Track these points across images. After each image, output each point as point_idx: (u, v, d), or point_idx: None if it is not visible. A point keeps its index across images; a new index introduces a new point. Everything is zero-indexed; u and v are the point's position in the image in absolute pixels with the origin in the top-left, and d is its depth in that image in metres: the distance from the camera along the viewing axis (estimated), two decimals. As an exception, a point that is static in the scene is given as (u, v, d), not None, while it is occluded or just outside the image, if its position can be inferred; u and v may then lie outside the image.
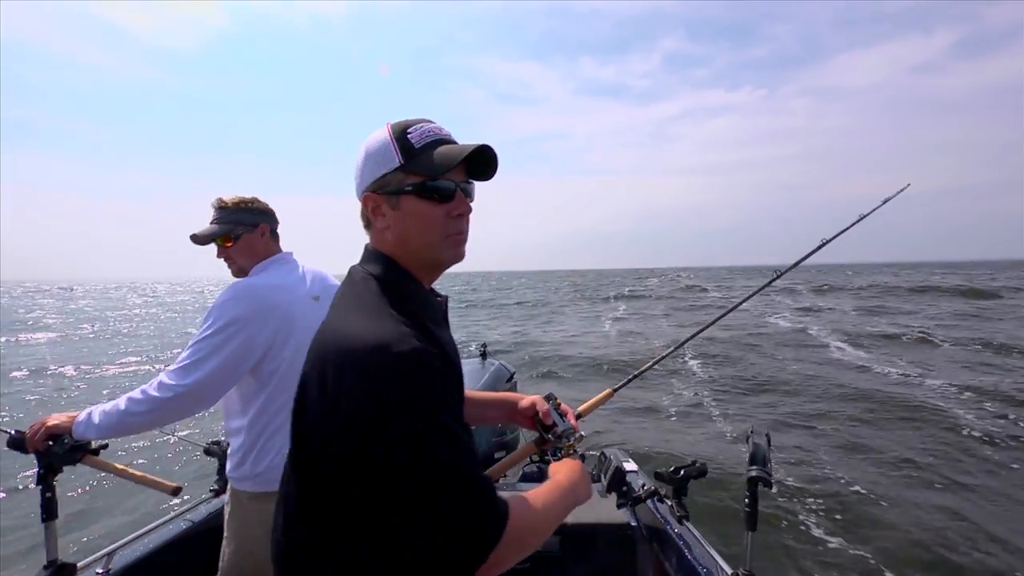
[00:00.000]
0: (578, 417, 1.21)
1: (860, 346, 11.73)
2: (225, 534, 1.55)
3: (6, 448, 1.47)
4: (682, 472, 1.62)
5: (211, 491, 2.14)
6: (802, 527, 3.94)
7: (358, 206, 0.81)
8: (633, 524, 1.93)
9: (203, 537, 1.94)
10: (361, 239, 0.84)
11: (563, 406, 1.09)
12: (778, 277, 1.72)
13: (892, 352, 11.01)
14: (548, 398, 1.09)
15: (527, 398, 1.09)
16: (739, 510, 1.32)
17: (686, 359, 10.39)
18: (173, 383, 1.34)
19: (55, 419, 1.44)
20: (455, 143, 0.78)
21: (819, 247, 1.70)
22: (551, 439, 1.05)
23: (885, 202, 1.81)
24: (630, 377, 1.55)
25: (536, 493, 0.78)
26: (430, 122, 0.77)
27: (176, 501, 2.20)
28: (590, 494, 0.91)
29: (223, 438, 1.92)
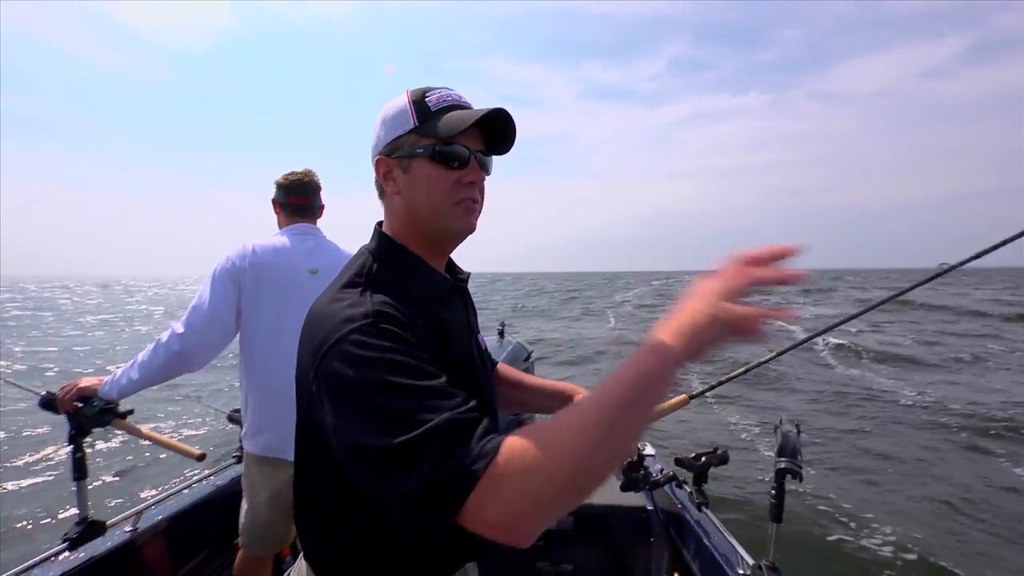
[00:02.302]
0: None
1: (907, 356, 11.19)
2: (242, 496, 1.66)
3: (40, 408, 1.52)
4: (703, 459, 1.58)
5: (234, 457, 2.20)
6: (829, 521, 3.84)
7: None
8: (649, 508, 1.90)
9: (225, 500, 2.01)
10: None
11: None
12: (947, 271, 1.32)
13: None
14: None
15: (584, 391, 1.00)
16: (762, 501, 1.27)
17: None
18: (175, 331, 1.45)
19: (86, 381, 1.49)
20: (503, 111, 0.73)
21: (1001, 243, 1.23)
22: None
23: None
24: (715, 383, 1.38)
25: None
26: (451, 89, 0.75)
27: (201, 466, 2.27)
28: (669, 384, 0.55)
29: None
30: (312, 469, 0.73)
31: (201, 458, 1.67)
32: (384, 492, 0.57)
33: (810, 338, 1.46)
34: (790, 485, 1.24)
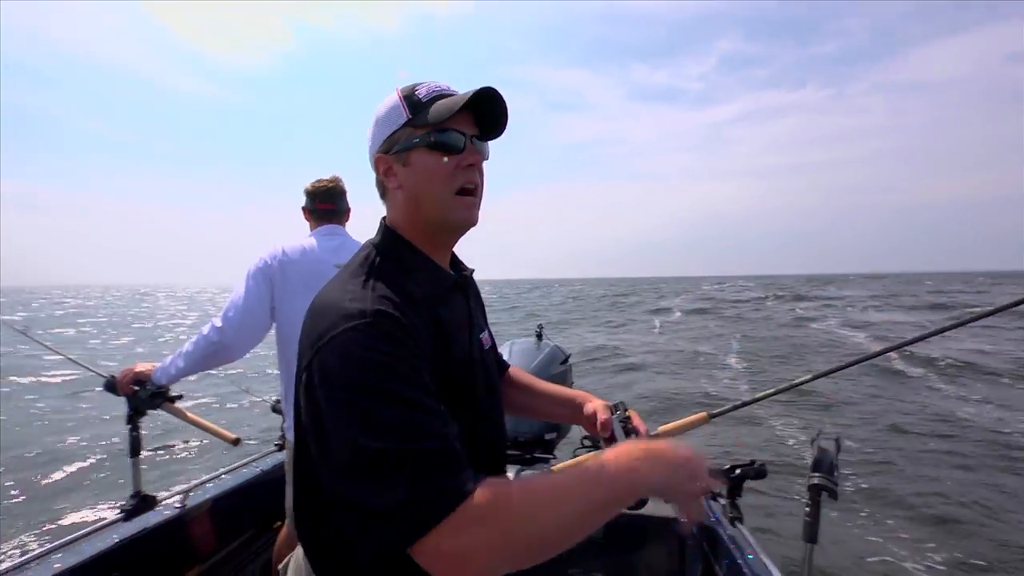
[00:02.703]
0: (654, 438, 1.05)
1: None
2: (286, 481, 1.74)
3: (103, 390, 1.66)
4: (738, 471, 1.51)
5: (276, 445, 2.30)
6: (869, 540, 3.60)
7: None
8: (682, 519, 1.84)
9: (266, 485, 2.11)
10: None
11: (635, 419, 0.92)
12: None
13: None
14: (616, 407, 0.94)
15: (594, 402, 0.97)
16: (796, 518, 1.20)
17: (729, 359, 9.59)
18: (214, 324, 1.56)
19: (141, 367, 1.61)
20: (492, 89, 0.73)
21: None
22: None
23: None
24: (735, 405, 1.30)
25: (557, 477, 0.60)
26: (440, 82, 0.76)
27: (246, 453, 2.40)
28: (660, 489, 0.63)
29: None
30: (307, 455, 0.71)
31: (236, 442, 1.77)
32: (347, 496, 0.57)
33: (844, 366, 1.39)
34: (829, 506, 1.16)
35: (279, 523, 2.15)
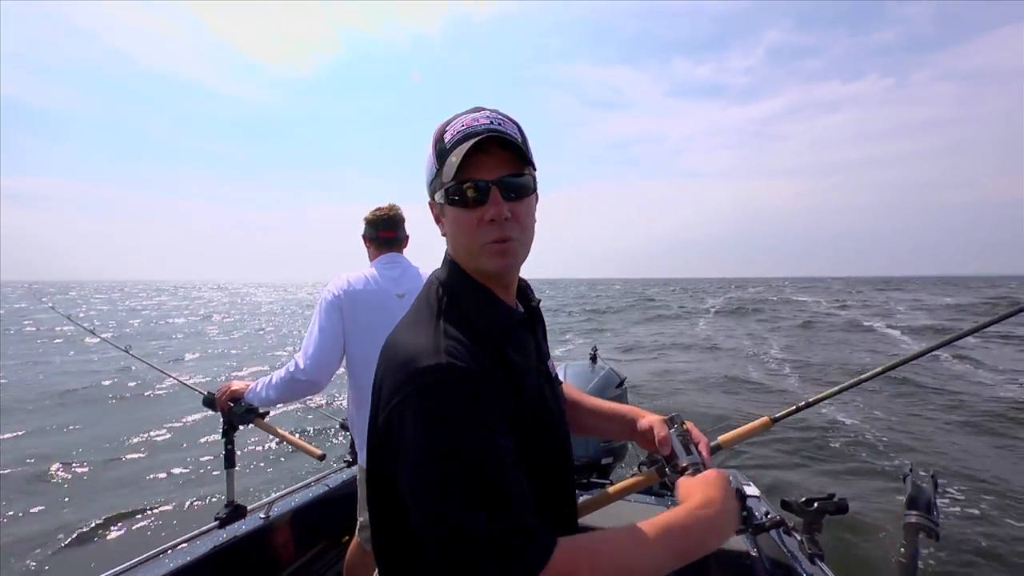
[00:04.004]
0: (715, 449, 1.02)
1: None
2: (358, 498, 1.83)
3: (202, 405, 1.84)
4: (815, 504, 1.42)
5: (345, 462, 2.43)
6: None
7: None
8: (753, 553, 1.75)
9: (337, 500, 2.22)
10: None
11: (694, 431, 0.90)
12: None
13: None
14: (671, 420, 0.91)
15: (648, 417, 0.94)
16: (884, 560, 1.11)
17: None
18: (298, 363, 1.65)
19: (236, 385, 1.77)
20: (493, 131, 0.68)
21: None
22: (669, 475, 0.87)
23: None
24: (797, 407, 1.26)
25: (635, 530, 0.63)
26: (470, 112, 0.72)
27: (319, 465, 2.55)
28: (732, 531, 0.73)
29: None
30: (383, 494, 0.71)
31: (321, 458, 1.89)
32: (431, 534, 0.59)
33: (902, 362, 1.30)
34: (924, 547, 1.08)
35: (347, 537, 2.25)
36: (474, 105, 0.76)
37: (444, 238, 0.78)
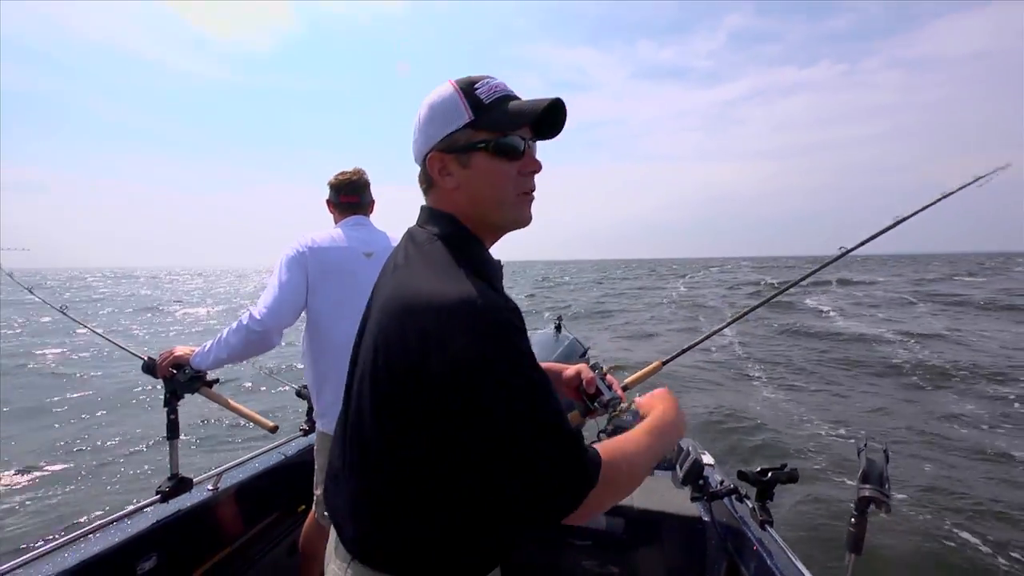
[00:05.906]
0: (624, 389, 1.19)
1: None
2: (315, 467, 1.79)
3: (142, 372, 1.70)
4: (769, 474, 1.49)
5: (301, 430, 2.34)
6: (913, 553, 3.48)
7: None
8: (706, 519, 1.83)
9: (293, 469, 2.15)
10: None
11: (609, 377, 1.06)
12: (846, 254, 1.62)
13: None
14: (594, 367, 1.06)
15: (572, 367, 1.05)
16: (831, 526, 1.18)
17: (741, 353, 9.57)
18: (252, 314, 1.58)
19: (180, 350, 1.64)
20: (519, 99, 0.76)
21: (892, 225, 1.58)
22: (597, 408, 1.03)
23: (977, 180, 1.54)
24: (680, 351, 1.55)
25: (629, 436, 0.78)
26: (494, 78, 0.76)
27: (272, 437, 2.46)
28: (683, 431, 0.89)
29: None
30: (390, 463, 0.69)
31: (274, 430, 1.80)
32: (522, 459, 0.62)
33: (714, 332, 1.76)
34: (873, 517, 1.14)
35: (303, 507, 2.20)
36: (445, 79, 0.77)
37: (447, 194, 0.77)
